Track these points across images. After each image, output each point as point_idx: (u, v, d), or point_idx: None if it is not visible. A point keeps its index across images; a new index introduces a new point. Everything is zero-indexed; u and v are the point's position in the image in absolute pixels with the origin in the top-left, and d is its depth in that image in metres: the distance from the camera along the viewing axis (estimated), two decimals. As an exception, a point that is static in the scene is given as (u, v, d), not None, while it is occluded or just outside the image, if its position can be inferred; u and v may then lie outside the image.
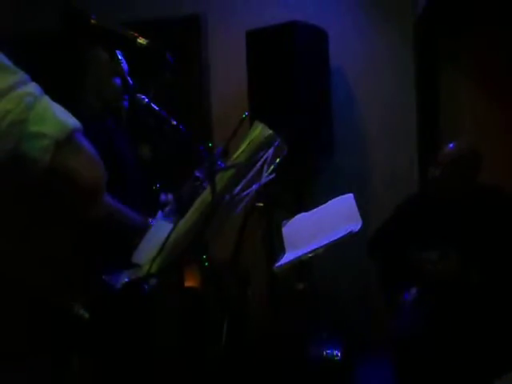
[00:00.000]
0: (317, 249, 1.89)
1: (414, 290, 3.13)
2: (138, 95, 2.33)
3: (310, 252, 1.90)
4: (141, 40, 1.77)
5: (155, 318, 2.39)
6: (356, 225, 1.92)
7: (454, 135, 4.10)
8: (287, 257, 1.99)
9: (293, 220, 2.23)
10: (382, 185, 4.33)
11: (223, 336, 2.29)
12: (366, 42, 4.39)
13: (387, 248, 3.30)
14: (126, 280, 1.75)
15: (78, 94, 2.44)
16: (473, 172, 3.19)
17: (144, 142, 3.73)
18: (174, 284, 1.90)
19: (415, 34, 4.27)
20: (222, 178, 1.59)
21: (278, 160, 1.70)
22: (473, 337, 2.87)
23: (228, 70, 4.53)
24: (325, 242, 1.90)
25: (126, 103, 2.51)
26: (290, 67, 3.95)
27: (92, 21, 1.74)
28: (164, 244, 1.58)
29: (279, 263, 1.96)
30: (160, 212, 2.53)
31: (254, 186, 1.66)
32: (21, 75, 1.18)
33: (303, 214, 2.24)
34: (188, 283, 2.47)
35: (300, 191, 4.13)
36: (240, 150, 1.63)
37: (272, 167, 1.69)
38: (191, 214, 1.63)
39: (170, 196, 2.72)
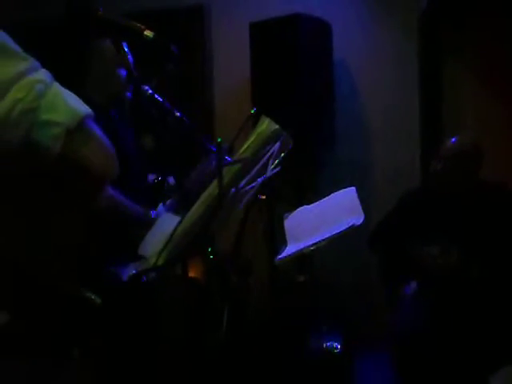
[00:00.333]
0: (319, 242, 1.90)
1: (414, 284, 3.14)
2: (143, 86, 2.34)
3: (311, 245, 1.90)
4: (147, 32, 1.77)
5: (158, 309, 2.40)
6: (358, 218, 1.92)
7: (456, 129, 4.10)
8: (289, 249, 2.00)
9: (295, 213, 2.24)
10: (383, 178, 4.34)
11: (223, 326, 2.30)
12: (370, 35, 4.38)
13: (388, 242, 3.31)
14: (133, 272, 1.76)
15: (83, 83, 2.45)
16: (474, 166, 3.19)
17: (146, 133, 3.74)
18: (178, 275, 1.91)
19: (419, 27, 4.25)
20: (228, 172, 1.60)
21: (283, 154, 1.71)
22: (472, 331, 2.88)
23: (231, 62, 4.53)
24: (327, 235, 1.90)
25: (129, 94, 2.52)
26: (293, 59, 3.95)
27: (98, 13, 1.74)
28: (171, 236, 1.59)
29: (281, 256, 1.96)
30: (161, 204, 2.54)
31: (259, 180, 1.67)
32: (31, 61, 1.18)
33: (305, 206, 2.25)
34: (190, 274, 2.49)
35: (302, 184, 4.13)
36: (246, 145, 1.64)
37: (277, 161, 1.69)
38: (197, 207, 1.64)
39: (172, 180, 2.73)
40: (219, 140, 1.53)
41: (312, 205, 2.23)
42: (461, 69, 4.33)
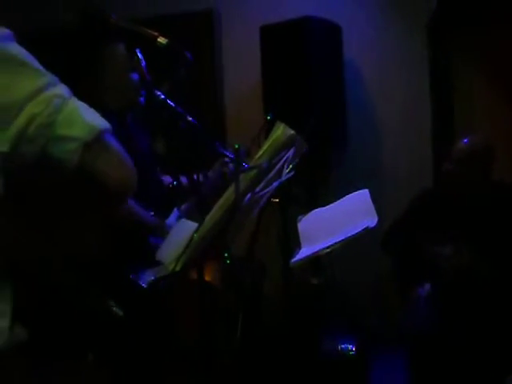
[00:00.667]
0: (333, 244, 1.90)
1: (427, 286, 3.14)
2: (155, 91, 2.36)
3: (326, 248, 1.91)
4: (161, 39, 1.78)
5: (173, 313, 2.41)
6: (372, 220, 1.92)
7: (467, 130, 4.09)
8: (303, 252, 2.00)
9: (308, 215, 2.24)
10: (396, 179, 4.33)
11: (238, 329, 2.31)
12: (380, 37, 4.38)
13: (401, 242, 3.31)
14: (153, 278, 1.77)
15: (97, 89, 2.46)
16: (486, 167, 3.18)
17: (159, 137, 3.76)
18: (193, 279, 1.92)
19: (429, 28, 4.25)
20: (244, 178, 1.61)
21: (297, 159, 1.72)
22: (486, 332, 2.87)
23: (242, 65, 4.54)
24: (341, 238, 1.90)
25: (142, 99, 2.54)
26: (303, 62, 3.96)
27: (111, 20, 1.76)
28: (189, 242, 1.60)
29: (296, 259, 1.97)
30: (176, 209, 2.56)
31: (274, 184, 1.68)
32: (49, 77, 1.18)
33: (319, 209, 2.25)
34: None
35: (314, 186, 4.13)
36: (262, 150, 1.65)
37: (292, 165, 1.70)
38: (215, 213, 1.65)
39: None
40: (237, 146, 1.54)
41: (326, 207, 2.23)
42: (472, 69, 4.32)
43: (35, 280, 1.17)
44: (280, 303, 3.54)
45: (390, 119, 4.38)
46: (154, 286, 1.77)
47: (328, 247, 1.91)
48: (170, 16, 4.48)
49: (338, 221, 2.07)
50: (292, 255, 2.04)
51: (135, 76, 2.52)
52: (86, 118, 1.18)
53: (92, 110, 1.22)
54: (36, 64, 1.18)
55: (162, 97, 2.44)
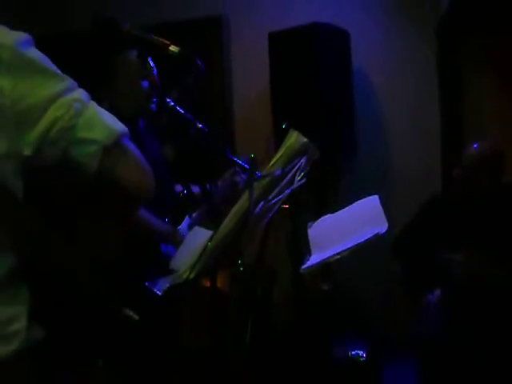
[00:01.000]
0: (344, 251, 1.90)
1: (437, 292, 3.13)
2: (166, 98, 2.37)
3: (336, 254, 1.91)
4: (173, 48, 1.79)
5: (183, 320, 2.42)
6: (382, 226, 1.92)
7: (477, 136, 4.08)
8: (314, 259, 2.00)
9: (318, 222, 2.24)
10: (405, 185, 4.32)
11: (248, 335, 2.31)
12: (389, 43, 4.38)
13: (411, 249, 3.30)
14: (168, 286, 1.78)
15: (109, 95, 2.48)
16: (497, 173, 3.18)
17: (168, 144, 3.77)
18: (203, 286, 1.93)
19: (438, 33, 4.25)
20: (258, 186, 1.62)
21: (309, 166, 1.72)
22: (497, 338, 2.86)
23: (250, 71, 4.55)
24: (351, 245, 1.91)
25: (153, 106, 2.55)
26: (312, 68, 3.96)
27: (124, 29, 1.77)
28: (204, 250, 1.60)
29: (306, 265, 1.97)
30: (187, 216, 2.57)
31: (286, 192, 1.68)
32: (69, 82, 1.20)
33: (329, 215, 2.25)
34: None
35: (323, 192, 4.13)
36: (276, 158, 1.65)
37: (303, 173, 1.71)
38: (229, 221, 1.66)
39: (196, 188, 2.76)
40: (252, 156, 1.55)
41: (335, 213, 2.23)
42: (481, 74, 4.31)
43: (53, 282, 1.18)
44: (290, 309, 3.54)
45: (399, 125, 4.37)
46: (169, 294, 1.78)
47: (338, 254, 1.91)
48: (179, 22, 4.50)
49: (348, 227, 2.07)
50: (302, 261, 2.05)
51: (146, 83, 2.53)
52: (105, 122, 1.20)
53: (110, 115, 1.23)
54: (55, 69, 1.20)
55: (172, 104, 2.45)
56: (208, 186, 2.33)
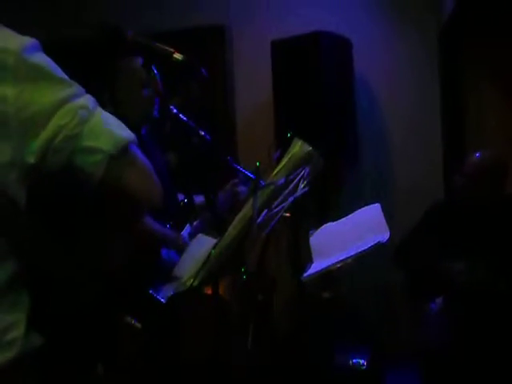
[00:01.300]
0: (345, 259, 1.91)
1: (439, 300, 3.13)
2: (168, 106, 2.37)
3: (338, 262, 1.91)
4: (177, 55, 1.79)
5: (184, 327, 2.41)
6: (384, 235, 1.93)
7: (479, 144, 4.09)
8: (315, 267, 2.01)
9: (320, 230, 2.25)
10: (407, 193, 4.32)
11: (249, 344, 2.30)
12: (391, 51, 4.39)
13: (413, 257, 3.29)
14: (171, 294, 1.78)
15: (112, 102, 2.48)
16: (499, 181, 3.18)
17: (170, 151, 3.77)
18: (204, 293, 1.93)
19: (440, 42, 4.26)
20: (261, 195, 1.62)
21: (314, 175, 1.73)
22: (500, 347, 2.86)
23: (253, 80, 4.56)
24: (353, 253, 1.91)
25: (156, 113, 2.54)
26: (314, 76, 3.97)
27: (128, 36, 1.78)
28: (208, 258, 1.61)
29: (308, 273, 1.97)
30: (188, 225, 2.56)
31: (289, 200, 1.69)
32: (75, 88, 1.17)
33: (330, 223, 2.26)
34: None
35: (325, 199, 4.13)
36: (280, 166, 1.66)
37: (307, 181, 1.71)
38: (233, 229, 1.66)
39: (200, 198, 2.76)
40: (258, 164, 1.55)
41: (337, 221, 2.24)
42: (482, 83, 4.32)
43: (53, 289, 1.17)
44: (291, 317, 3.53)
45: (401, 133, 4.38)
46: (173, 301, 1.78)
47: (340, 262, 1.92)
48: (181, 31, 4.50)
49: (350, 235, 2.07)
50: (303, 269, 2.05)
51: (150, 91, 2.52)
52: (111, 130, 1.17)
53: (118, 121, 1.21)
54: (61, 74, 1.17)
55: (175, 111, 2.45)
56: (213, 196, 2.33)
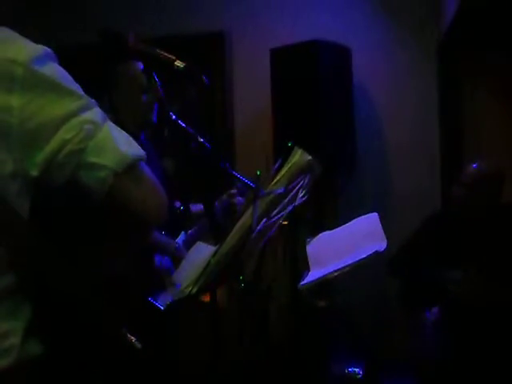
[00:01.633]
0: (342, 268, 1.90)
1: (435, 310, 3.12)
2: (167, 112, 2.37)
3: (335, 271, 1.91)
4: (178, 63, 1.79)
5: (180, 334, 2.41)
6: (381, 244, 1.93)
7: (477, 153, 4.09)
8: (312, 275, 2.01)
9: (317, 238, 2.25)
10: (404, 202, 4.32)
11: (244, 351, 2.30)
12: (390, 59, 4.40)
13: (410, 266, 3.29)
14: (170, 301, 1.78)
15: (111, 107, 2.48)
16: (496, 191, 3.19)
17: (168, 157, 3.77)
18: (199, 301, 1.92)
19: (439, 51, 4.27)
20: (261, 203, 1.62)
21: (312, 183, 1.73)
22: (496, 357, 2.85)
23: (252, 88, 4.56)
24: (351, 262, 1.91)
25: (154, 119, 2.54)
26: (313, 84, 3.98)
27: (130, 43, 1.77)
28: (207, 266, 1.60)
29: (304, 281, 1.97)
30: (183, 233, 2.56)
31: (288, 208, 1.69)
32: (84, 100, 1.14)
33: (327, 232, 2.26)
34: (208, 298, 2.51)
35: (322, 208, 4.13)
36: (280, 175, 1.66)
37: (306, 190, 1.71)
38: (232, 237, 1.66)
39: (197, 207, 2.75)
40: (258, 173, 1.55)
41: (334, 230, 2.24)
42: (481, 92, 4.33)
43: (53, 300, 1.16)
44: (287, 325, 3.53)
45: (399, 142, 4.38)
46: (171, 309, 1.78)
47: (337, 270, 1.91)
48: (180, 37, 4.50)
49: (347, 244, 2.07)
50: (300, 277, 2.05)
51: (149, 96, 2.52)
52: (118, 146, 1.13)
53: (127, 137, 1.18)
54: (72, 86, 1.15)
55: (174, 117, 2.45)
56: (211, 204, 2.33)
